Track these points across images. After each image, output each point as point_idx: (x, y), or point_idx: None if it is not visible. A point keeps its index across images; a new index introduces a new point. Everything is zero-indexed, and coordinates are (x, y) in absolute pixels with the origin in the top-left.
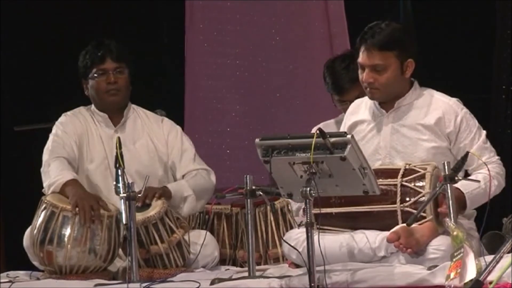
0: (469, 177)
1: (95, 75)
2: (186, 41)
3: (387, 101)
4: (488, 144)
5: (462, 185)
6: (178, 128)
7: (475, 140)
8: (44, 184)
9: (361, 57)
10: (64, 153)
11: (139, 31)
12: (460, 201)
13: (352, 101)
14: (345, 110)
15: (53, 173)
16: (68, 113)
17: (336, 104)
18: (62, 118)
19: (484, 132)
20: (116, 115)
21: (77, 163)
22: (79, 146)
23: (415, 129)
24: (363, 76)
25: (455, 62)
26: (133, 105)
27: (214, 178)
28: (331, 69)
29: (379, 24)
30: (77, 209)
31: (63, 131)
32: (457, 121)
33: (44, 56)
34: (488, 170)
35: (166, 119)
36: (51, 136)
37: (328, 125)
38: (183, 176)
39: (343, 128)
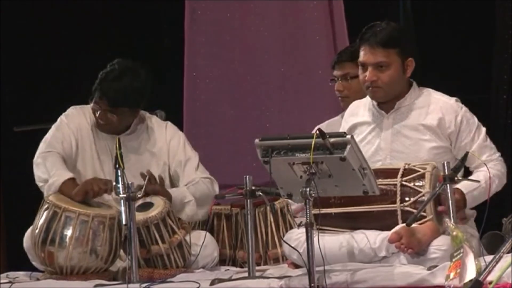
0: (470, 177)
1: (92, 102)
2: (186, 42)
3: (387, 101)
4: (489, 141)
5: (462, 185)
6: (181, 134)
7: (475, 139)
8: (37, 178)
9: (363, 56)
10: (60, 148)
11: (139, 31)
12: (461, 199)
13: (339, 80)
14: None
15: (50, 170)
16: (77, 106)
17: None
18: (70, 111)
19: (484, 130)
20: None
21: (73, 159)
22: (81, 143)
23: (416, 129)
24: (364, 76)
25: (455, 62)
26: (141, 114)
27: (217, 187)
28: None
29: (379, 24)
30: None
31: (66, 124)
32: (457, 121)
33: (44, 56)
34: (488, 169)
35: (170, 124)
36: (53, 127)
37: (336, 122)
38: (185, 185)
39: (343, 129)
